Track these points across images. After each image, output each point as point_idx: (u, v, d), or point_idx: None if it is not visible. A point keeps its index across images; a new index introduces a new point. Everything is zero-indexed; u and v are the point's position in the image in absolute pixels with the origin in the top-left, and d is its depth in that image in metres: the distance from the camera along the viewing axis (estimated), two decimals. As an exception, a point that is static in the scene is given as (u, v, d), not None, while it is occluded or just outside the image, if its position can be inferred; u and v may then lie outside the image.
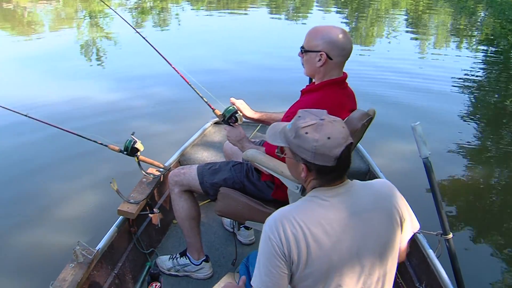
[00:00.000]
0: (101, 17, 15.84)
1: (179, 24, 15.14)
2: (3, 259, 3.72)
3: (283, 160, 1.74)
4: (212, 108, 2.84)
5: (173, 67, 3.04)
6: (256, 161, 2.41)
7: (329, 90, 2.35)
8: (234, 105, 2.71)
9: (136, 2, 18.62)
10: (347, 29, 14.28)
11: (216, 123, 4.38)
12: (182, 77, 2.98)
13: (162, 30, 13.78)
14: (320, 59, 2.31)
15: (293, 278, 1.56)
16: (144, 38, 3.24)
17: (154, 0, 19.11)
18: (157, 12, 17.09)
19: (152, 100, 7.25)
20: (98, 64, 9.99)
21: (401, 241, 1.65)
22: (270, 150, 2.40)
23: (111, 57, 10.52)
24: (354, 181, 1.61)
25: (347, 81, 2.44)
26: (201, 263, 2.93)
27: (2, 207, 4.37)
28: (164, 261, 3.02)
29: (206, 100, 2.89)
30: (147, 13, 16.83)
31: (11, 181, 4.81)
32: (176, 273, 2.98)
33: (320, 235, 1.49)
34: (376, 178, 3.36)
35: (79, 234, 3.69)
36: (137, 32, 3.37)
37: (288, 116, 2.39)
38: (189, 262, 2.94)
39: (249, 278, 1.90)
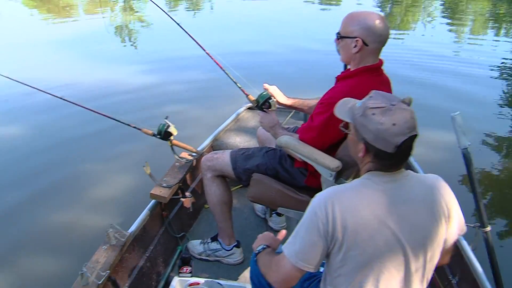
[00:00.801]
0: (134, 0, 15.93)
1: (212, 8, 15.12)
2: (38, 240, 3.79)
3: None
4: (245, 94, 2.81)
5: (207, 53, 3.02)
6: (289, 147, 2.40)
7: (364, 77, 2.32)
8: (267, 91, 2.69)
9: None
10: (380, 14, 14.06)
11: (250, 108, 4.36)
12: (216, 63, 2.97)
13: (195, 13, 13.78)
14: (356, 45, 2.26)
15: (335, 260, 1.55)
16: (178, 24, 3.22)
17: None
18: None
19: (185, 84, 7.28)
20: (131, 48, 10.08)
21: (446, 241, 1.62)
22: (304, 137, 2.40)
23: (144, 41, 10.60)
24: (409, 171, 1.59)
25: (383, 67, 2.40)
26: (232, 248, 2.94)
27: (37, 189, 4.44)
28: (195, 245, 3.03)
29: (240, 86, 2.86)
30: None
31: (45, 162, 4.89)
32: (206, 258, 2.99)
33: (370, 219, 1.48)
34: (410, 168, 3.30)
35: (111, 216, 3.74)
36: (171, 18, 3.35)
37: (322, 103, 2.36)
38: (220, 247, 2.95)
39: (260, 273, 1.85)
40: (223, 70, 2.94)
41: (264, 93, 2.66)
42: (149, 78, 7.56)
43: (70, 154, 5.08)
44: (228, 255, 2.95)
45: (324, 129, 2.34)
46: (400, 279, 1.55)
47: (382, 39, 2.27)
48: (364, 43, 2.25)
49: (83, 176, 4.69)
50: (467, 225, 1.69)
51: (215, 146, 3.74)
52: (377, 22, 2.24)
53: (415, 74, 7.59)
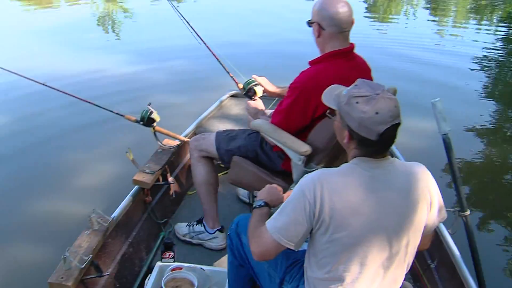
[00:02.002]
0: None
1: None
2: (21, 226, 3.76)
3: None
4: (236, 82, 2.88)
5: (203, 42, 3.11)
6: (261, 130, 2.46)
7: (331, 62, 2.34)
8: (254, 79, 2.75)
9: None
10: (364, 4, 14.11)
11: (233, 96, 4.36)
12: (209, 49, 3.06)
13: (179, 2, 13.68)
14: (316, 30, 2.32)
15: (320, 242, 1.58)
16: (173, 6, 3.27)
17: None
18: (175, -16, 16.92)
19: (168, 72, 7.28)
20: (115, 37, 10.01)
21: (426, 226, 1.65)
22: (274, 120, 2.44)
23: (127, 30, 10.54)
24: (394, 159, 1.63)
25: (357, 52, 2.43)
26: (215, 232, 2.94)
27: (19, 175, 4.42)
28: (181, 227, 3.04)
29: (232, 75, 2.95)
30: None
31: (28, 149, 4.86)
32: (190, 240, 2.99)
33: (356, 203, 1.52)
34: (391, 155, 3.32)
35: (94, 202, 3.70)
36: (175, 9, 3.41)
37: (290, 87, 2.39)
38: (204, 230, 2.95)
39: (241, 245, 1.99)
40: (216, 57, 3.05)
41: (250, 80, 2.74)
42: (132, 66, 7.54)
43: (50, 141, 5.05)
44: (210, 239, 2.95)
45: (289, 112, 2.38)
46: (382, 262, 1.58)
47: (337, 22, 2.27)
48: (321, 27, 2.29)
49: (65, 162, 4.67)
50: (447, 210, 1.72)
51: (198, 133, 3.72)
52: (332, 5, 2.26)
53: (396, 63, 7.67)
